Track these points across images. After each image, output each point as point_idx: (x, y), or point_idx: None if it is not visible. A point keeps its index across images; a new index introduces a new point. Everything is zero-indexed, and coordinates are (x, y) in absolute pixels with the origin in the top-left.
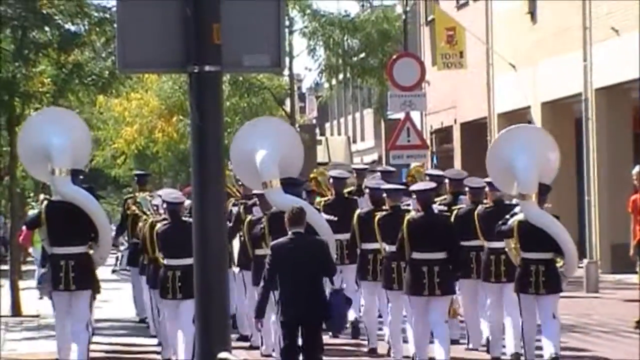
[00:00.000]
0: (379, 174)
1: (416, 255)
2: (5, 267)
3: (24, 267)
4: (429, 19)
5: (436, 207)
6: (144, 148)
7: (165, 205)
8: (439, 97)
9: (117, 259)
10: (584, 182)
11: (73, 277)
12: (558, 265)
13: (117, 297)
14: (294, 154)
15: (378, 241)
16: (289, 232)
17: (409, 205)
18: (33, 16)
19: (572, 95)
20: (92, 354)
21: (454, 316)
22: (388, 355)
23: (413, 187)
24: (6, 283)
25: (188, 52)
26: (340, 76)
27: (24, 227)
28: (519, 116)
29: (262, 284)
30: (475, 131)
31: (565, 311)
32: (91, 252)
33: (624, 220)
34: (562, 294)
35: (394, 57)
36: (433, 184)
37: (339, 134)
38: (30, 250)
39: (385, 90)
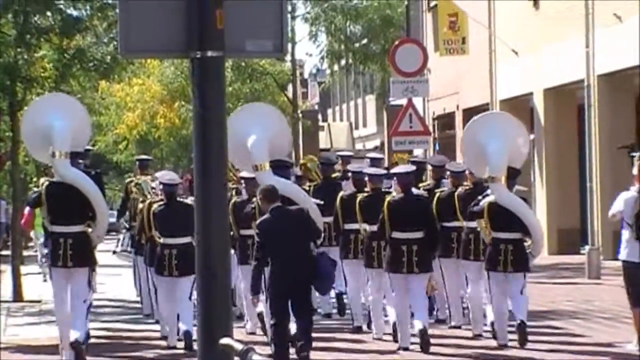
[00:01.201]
0: (367, 160)
1: (396, 234)
2: (7, 252)
3: (25, 253)
4: (432, 4)
5: (416, 191)
6: (146, 133)
7: (161, 187)
8: (441, 83)
9: (117, 240)
10: (586, 168)
11: (71, 255)
12: (526, 245)
13: (117, 281)
14: (282, 138)
15: (359, 222)
16: (269, 210)
17: (389, 188)
18: (35, 1)
19: (575, 82)
20: (92, 339)
21: (431, 292)
22: (368, 327)
23: (394, 170)
24: (8, 268)
25: (190, 37)
26: (343, 62)
27: (25, 211)
28: (521, 102)
29: (254, 262)
30: None
31: (567, 298)
32: (89, 230)
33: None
34: (564, 281)
35: (397, 43)
36: (413, 167)
37: (341, 120)
38: (32, 234)
39: (388, 77)
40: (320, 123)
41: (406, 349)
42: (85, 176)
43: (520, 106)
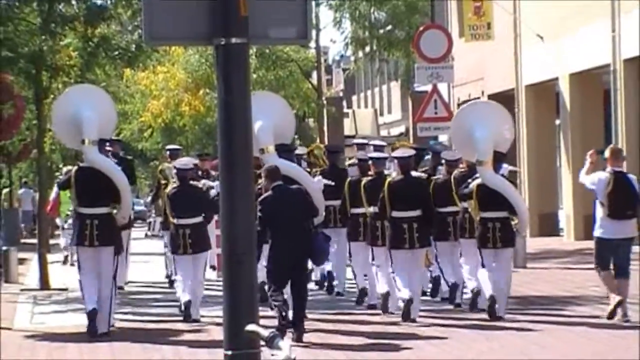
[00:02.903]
0: (371, 146)
1: (396, 213)
2: (34, 240)
3: (52, 241)
4: None
5: (415, 173)
6: (171, 121)
7: (175, 171)
8: (466, 69)
9: (149, 224)
10: None
11: (97, 235)
12: (513, 223)
13: (146, 268)
14: (287, 123)
15: (364, 204)
16: (270, 188)
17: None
18: None
19: (601, 66)
20: (118, 324)
21: (428, 265)
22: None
23: (394, 154)
24: (34, 257)
25: (214, 24)
26: (367, 49)
27: (51, 197)
28: (547, 87)
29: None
30: (503, 103)
31: (594, 283)
32: (114, 212)
33: None
34: (591, 267)
35: (421, 29)
36: (412, 151)
37: (366, 106)
38: (57, 221)
39: (412, 63)
40: (345, 110)
41: (413, 320)
42: (111, 162)
43: (545, 91)
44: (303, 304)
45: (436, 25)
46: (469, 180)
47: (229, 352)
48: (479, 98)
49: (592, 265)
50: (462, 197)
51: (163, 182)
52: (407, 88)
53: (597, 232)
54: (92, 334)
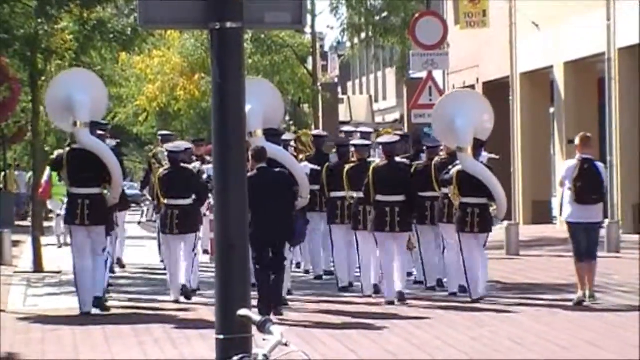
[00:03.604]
0: (358, 133)
1: (380, 197)
2: (27, 223)
3: (45, 224)
4: None
5: (398, 159)
6: (166, 106)
7: (167, 154)
8: (461, 56)
9: (142, 212)
10: (606, 142)
11: (88, 214)
12: (492, 209)
13: (141, 253)
14: (275, 108)
15: (345, 190)
16: (255, 168)
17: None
18: None
19: (596, 55)
20: (113, 311)
21: (411, 248)
22: (350, 286)
23: (379, 140)
24: (28, 239)
25: (209, 8)
26: (363, 35)
27: (43, 181)
28: (541, 75)
29: None
30: (498, 90)
31: None
32: (105, 192)
33: None
34: None
35: (417, 16)
36: (397, 137)
37: (361, 93)
38: (48, 203)
39: (408, 50)
40: (340, 96)
41: (391, 302)
42: (102, 143)
43: (540, 79)
44: (280, 281)
45: (432, 13)
46: (450, 167)
47: (221, 336)
48: (474, 85)
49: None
50: (442, 183)
51: (156, 166)
52: (402, 75)
53: (565, 216)
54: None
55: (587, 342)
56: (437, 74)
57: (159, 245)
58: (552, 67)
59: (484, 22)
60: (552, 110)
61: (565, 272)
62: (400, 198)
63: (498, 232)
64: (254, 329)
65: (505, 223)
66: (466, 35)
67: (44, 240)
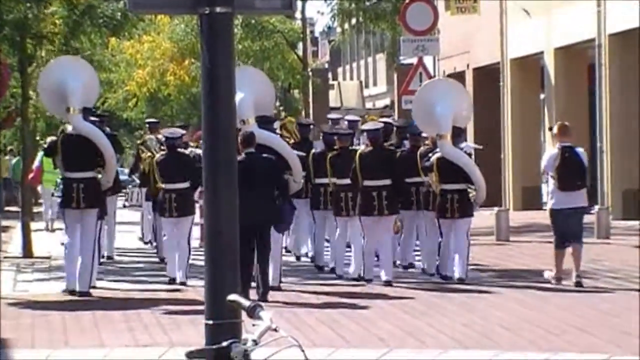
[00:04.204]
0: (345, 121)
1: (367, 182)
2: (17, 208)
3: (35, 209)
4: None
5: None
6: (156, 91)
7: (164, 140)
8: (452, 42)
9: (126, 195)
10: (596, 128)
11: (83, 197)
12: (471, 195)
13: (129, 238)
14: (267, 95)
15: (328, 177)
16: (242, 153)
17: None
18: None
19: (586, 41)
20: (103, 296)
21: (397, 232)
22: (332, 272)
23: (364, 127)
24: (17, 224)
25: None
26: (353, 21)
27: (34, 166)
28: (532, 62)
29: None
30: (488, 76)
31: None
32: (99, 176)
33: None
34: None
35: (407, 1)
36: (381, 124)
37: (352, 78)
38: (39, 188)
39: (398, 35)
40: (331, 82)
41: (370, 280)
42: (95, 128)
43: (530, 65)
44: (266, 264)
45: None
46: (430, 155)
47: (210, 322)
48: (464, 71)
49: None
50: (424, 170)
51: (146, 154)
52: (392, 60)
53: (550, 204)
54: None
55: (577, 328)
56: (428, 60)
57: (142, 229)
58: (542, 53)
59: (474, 8)
60: (542, 96)
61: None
62: (387, 182)
63: (488, 218)
64: (244, 314)
65: (495, 209)
66: (457, 21)
67: (33, 225)
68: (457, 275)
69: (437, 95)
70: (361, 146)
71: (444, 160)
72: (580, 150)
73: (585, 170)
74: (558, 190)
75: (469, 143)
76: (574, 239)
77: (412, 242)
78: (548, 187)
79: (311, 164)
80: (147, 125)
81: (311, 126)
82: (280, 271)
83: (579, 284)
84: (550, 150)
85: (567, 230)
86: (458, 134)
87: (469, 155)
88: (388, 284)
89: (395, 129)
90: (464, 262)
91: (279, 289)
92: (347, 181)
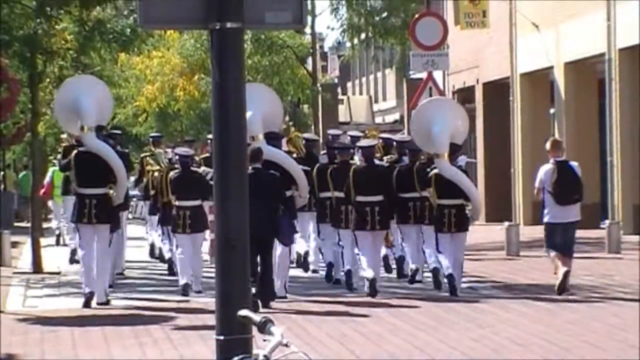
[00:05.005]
0: (348, 137)
1: (360, 198)
2: (27, 224)
3: (45, 224)
4: None
5: (378, 161)
6: (165, 106)
7: (177, 158)
8: (461, 57)
9: (130, 206)
10: (606, 142)
11: (95, 213)
12: (467, 209)
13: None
14: (275, 112)
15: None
16: (250, 168)
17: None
18: None
19: (596, 56)
20: (112, 311)
21: (388, 246)
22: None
23: (358, 143)
24: (27, 240)
25: (209, 8)
26: (363, 36)
27: (45, 182)
28: (541, 76)
29: None
30: (498, 91)
31: (586, 272)
32: (111, 192)
33: None
34: (584, 255)
35: (417, 16)
36: (375, 141)
37: (361, 93)
38: (50, 203)
39: (407, 50)
40: (340, 96)
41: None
42: (107, 146)
43: (540, 80)
44: (269, 273)
45: (432, 13)
46: (427, 170)
47: (221, 337)
48: (473, 86)
49: (590, 255)
50: (421, 186)
51: (156, 167)
52: (402, 75)
53: (546, 218)
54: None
55: (588, 343)
56: (437, 75)
57: (151, 244)
58: (552, 67)
59: (484, 23)
60: (552, 110)
61: None
62: (379, 198)
63: (499, 233)
64: (255, 329)
65: (506, 224)
66: (466, 36)
67: (43, 241)
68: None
69: (435, 115)
70: (357, 162)
71: (441, 177)
72: (574, 164)
73: (581, 183)
74: (555, 204)
75: (464, 157)
76: (566, 251)
77: (422, 256)
78: (545, 201)
79: (315, 178)
80: (150, 140)
81: (316, 141)
82: (286, 282)
83: (560, 289)
84: (545, 166)
85: (560, 243)
86: (455, 151)
87: (464, 170)
88: (373, 289)
89: (394, 144)
90: (458, 276)
91: (284, 297)
92: None
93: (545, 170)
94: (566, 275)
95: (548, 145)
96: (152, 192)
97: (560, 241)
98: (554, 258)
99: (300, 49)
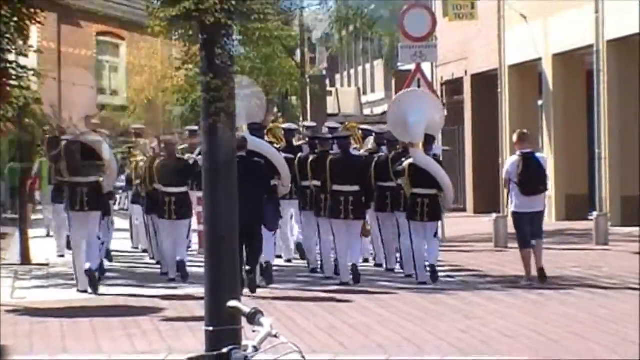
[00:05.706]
0: (327, 128)
1: (336, 187)
2: (15, 216)
3: (33, 216)
4: None
5: (354, 152)
6: (154, 98)
7: (163, 145)
8: (449, 49)
9: (114, 200)
10: (594, 134)
11: (87, 201)
12: (440, 198)
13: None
14: (257, 104)
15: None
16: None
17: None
18: None
19: (584, 47)
20: (101, 302)
21: (366, 235)
22: (321, 269)
23: (334, 135)
24: (15, 232)
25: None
26: (351, 27)
27: (33, 173)
28: (530, 68)
29: None
30: (486, 83)
31: (574, 263)
32: (101, 180)
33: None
34: (572, 247)
35: (405, 8)
36: (349, 133)
37: (349, 85)
38: (38, 195)
39: (396, 42)
40: (328, 88)
41: (346, 283)
42: (96, 135)
43: (528, 72)
44: (255, 259)
45: (420, 5)
46: (402, 160)
47: (210, 328)
48: (462, 78)
49: (577, 247)
50: (395, 175)
51: (140, 158)
52: (390, 67)
53: (512, 207)
54: (94, 288)
55: (576, 334)
56: (426, 66)
57: (131, 235)
58: (540, 59)
59: (472, 15)
60: (540, 102)
61: (554, 265)
62: (355, 188)
63: (487, 225)
64: (244, 320)
65: (494, 215)
66: (455, 28)
67: (31, 232)
68: (422, 279)
69: (411, 106)
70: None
71: (415, 167)
72: (540, 155)
73: (546, 175)
74: (521, 194)
75: (439, 145)
76: (535, 236)
77: (391, 242)
78: (510, 192)
79: (297, 167)
80: (131, 131)
81: (295, 131)
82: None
83: (542, 277)
84: (511, 158)
85: (529, 231)
86: (430, 141)
87: (438, 160)
88: (356, 277)
89: (373, 135)
90: (433, 264)
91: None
92: None
93: (512, 162)
94: (541, 269)
95: (515, 138)
96: (136, 182)
97: (529, 229)
98: (524, 257)
99: (288, 41)
